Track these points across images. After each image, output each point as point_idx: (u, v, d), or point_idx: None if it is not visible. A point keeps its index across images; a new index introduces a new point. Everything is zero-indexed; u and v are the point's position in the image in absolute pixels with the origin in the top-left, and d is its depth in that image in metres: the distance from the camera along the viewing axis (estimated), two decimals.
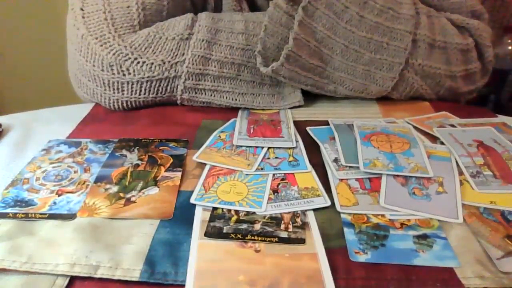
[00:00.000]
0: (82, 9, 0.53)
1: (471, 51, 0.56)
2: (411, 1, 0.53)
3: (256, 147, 0.45)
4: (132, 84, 0.52)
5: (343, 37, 0.51)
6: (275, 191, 0.38)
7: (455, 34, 0.55)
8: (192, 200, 0.37)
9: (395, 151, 0.43)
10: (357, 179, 0.40)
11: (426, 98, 0.57)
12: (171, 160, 0.43)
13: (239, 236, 0.33)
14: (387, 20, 0.51)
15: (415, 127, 0.49)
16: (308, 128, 0.49)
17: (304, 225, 0.34)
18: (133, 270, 0.30)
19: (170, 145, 0.46)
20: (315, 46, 0.50)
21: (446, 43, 0.54)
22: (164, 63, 0.52)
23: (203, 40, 0.52)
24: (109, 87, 0.53)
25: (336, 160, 0.42)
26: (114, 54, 0.51)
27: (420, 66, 0.53)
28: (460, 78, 0.56)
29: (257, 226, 0.34)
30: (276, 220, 0.35)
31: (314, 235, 0.33)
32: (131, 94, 0.53)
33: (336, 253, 0.32)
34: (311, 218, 0.35)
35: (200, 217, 0.35)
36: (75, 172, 0.42)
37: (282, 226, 0.34)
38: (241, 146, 0.45)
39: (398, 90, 0.55)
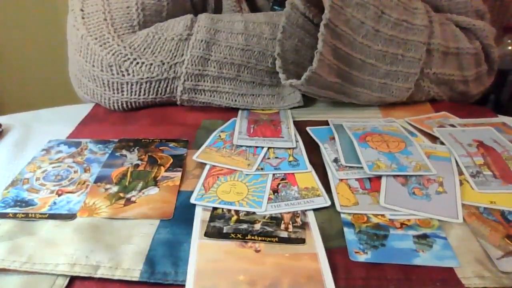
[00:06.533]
0: (82, 10, 0.53)
1: (480, 54, 0.56)
2: (424, 10, 0.53)
3: (256, 147, 0.45)
4: (132, 84, 0.52)
5: (360, 53, 0.50)
6: (275, 191, 0.38)
7: (465, 39, 0.55)
8: (192, 200, 0.37)
9: (393, 150, 0.43)
10: (357, 179, 0.40)
11: (438, 100, 0.57)
12: (171, 160, 0.43)
13: (239, 236, 0.33)
14: (402, 32, 0.50)
15: (414, 127, 0.49)
16: (308, 128, 0.49)
17: (304, 225, 0.34)
18: (133, 270, 0.30)
19: (170, 145, 0.46)
20: (334, 64, 0.49)
21: (459, 49, 0.54)
22: (163, 64, 0.52)
23: (202, 41, 0.52)
24: (109, 87, 0.53)
25: (336, 160, 0.42)
26: (113, 54, 0.51)
27: (434, 75, 0.54)
28: (471, 81, 0.56)
29: (257, 226, 0.34)
30: (276, 220, 0.35)
31: (314, 235, 0.33)
32: (131, 95, 0.53)
33: (336, 253, 0.32)
34: (311, 218, 0.35)
35: (200, 217, 0.35)
36: (75, 172, 0.42)
37: (282, 226, 0.34)
38: (241, 146, 0.45)
39: (414, 99, 0.55)
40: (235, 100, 0.54)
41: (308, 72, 0.46)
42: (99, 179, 0.40)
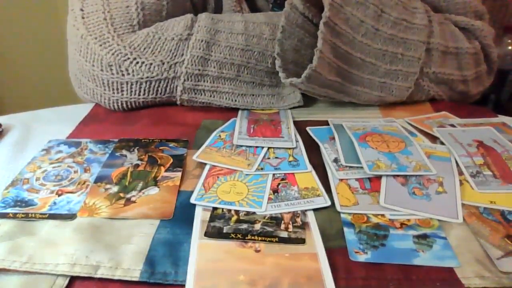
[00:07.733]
0: (82, 10, 0.53)
1: (479, 54, 0.56)
2: (424, 10, 0.53)
3: (256, 147, 0.45)
4: (132, 84, 0.52)
5: (359, 51, 0.50)
6: (275, 191, 0.38)
7: (464, 38, 0.55)
8: (192, 200, 0.37)
9: (393, 150, 0.43)
10: (357, 179, 0.40)
11: (438, 100, 0.57)
12: (171, 160, 0.43)
13: (239, 236, 0.33)
14: (401, 31, 0.51)
15: (414, 127, 0.49)
16: (308, 128, 0.49)
17: (304, 225, 0.34)
18: (133, 270, 0.30)
19: (170, 145, 0.46)
20: (334, 62, 0.49)
21: (458, 49, 0.54)
22: (163, 63, 0.52)
23: (202, 41, 0.52)
24: (109, 87, 0.53)
25: (336, 160, 0.42)
26: (113, 54, 0.51)
27: (434, 74, 0.54)
28: (471, 81, 0.56)
29: (257, 226, 0.34)
30: (276, 220, 0.35)
31: (314, 235, 0.33)
32: (131, 95, 0.53)
33: (336, 253, 0.32)
34: (311, 218, 0.35)
35: (200, 217, 0.35)
36: (75, 172, 0.42)
37: (282, 226, 0.34)
38: (241, 146, 0.45)
39: (414, 98, 0.55)
40: (235, 100, 0.54)
41: (308, 70, 0.46)
42: (99, 179, 0.40)
